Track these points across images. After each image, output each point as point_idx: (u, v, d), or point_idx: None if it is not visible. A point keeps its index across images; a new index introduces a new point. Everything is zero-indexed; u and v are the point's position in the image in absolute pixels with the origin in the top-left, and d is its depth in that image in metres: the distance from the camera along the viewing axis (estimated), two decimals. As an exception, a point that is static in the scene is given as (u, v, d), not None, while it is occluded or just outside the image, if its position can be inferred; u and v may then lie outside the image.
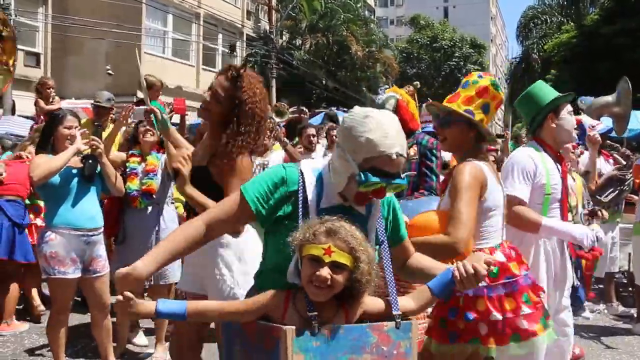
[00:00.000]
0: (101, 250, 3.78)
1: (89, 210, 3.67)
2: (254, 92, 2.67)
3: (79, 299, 5.05)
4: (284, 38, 27.41)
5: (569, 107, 3.18)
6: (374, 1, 47.80)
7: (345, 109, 14.85)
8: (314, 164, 2.00)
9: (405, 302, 1.90)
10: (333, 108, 13.99)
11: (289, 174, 1.94)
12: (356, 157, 1.83)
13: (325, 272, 1.69)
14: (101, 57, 18.76)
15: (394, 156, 1.81)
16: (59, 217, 3.62)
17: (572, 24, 25.58)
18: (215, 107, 2.72)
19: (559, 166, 3.15)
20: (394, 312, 1.84)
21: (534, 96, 3.25)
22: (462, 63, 38.69)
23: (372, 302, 1.88)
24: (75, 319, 4.68)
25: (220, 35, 24.17)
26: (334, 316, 1.78)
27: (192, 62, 22.23)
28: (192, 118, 14.38)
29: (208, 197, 2.59)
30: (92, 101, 6.19)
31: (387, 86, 8.20)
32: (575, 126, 3.17)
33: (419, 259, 2.13)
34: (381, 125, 1.83)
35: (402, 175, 1.88)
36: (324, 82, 25.64)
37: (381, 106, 3.66)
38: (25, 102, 12.31)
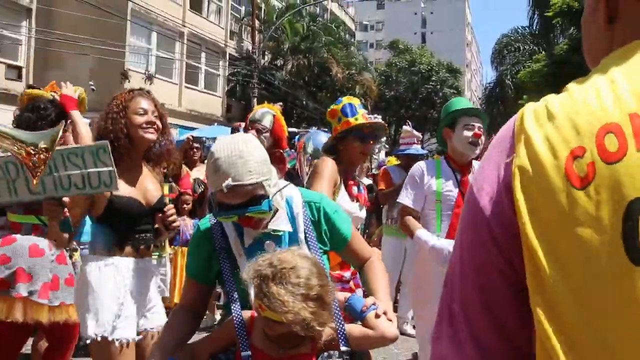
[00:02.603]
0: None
1: None
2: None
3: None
4: (266, 58, 27.74)
5: (466, 121, 3.26)
6: (354, 25, 48.65)
7: (325, 129, 15.17)
8: None
9: (354, 329, 1.81)
10: (313, 128, 14.26)
11: (203, 231, 1.96)
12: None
13: (263, 324, 1.71)
14: (84, 73, 18.79)
15: (225, 190, 1.72)
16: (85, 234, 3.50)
17: (543, 52, 26.47)
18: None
19: (458, 177, 3.28)
20: (342, 348, 1.75)
21: (441, 112, 3.49)
22: (438, 86, 39.49)
23: (351, 327, 1.82)
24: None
25: (203, 54, 24.43)
26: (301, 343, 1.75)
27: (175, 79, 22.42)
28: (174, 135, 14.54)
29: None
30: None
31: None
32: (471, 139, 3.24)
33: (367, 271, 2.06)
34: (213, 160, 1.76)
35: (269, 198, 1.79)
36: (304, 102, 26.02)
37: (259, 121, 3.60)
38: (7, 115, 12.33)
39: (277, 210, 1.91)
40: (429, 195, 3.29)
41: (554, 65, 21.59)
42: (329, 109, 3.20)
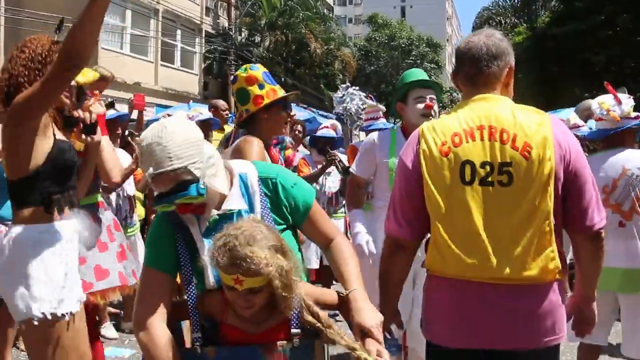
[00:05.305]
0: None
1: None
2: None
3: None
4: (242, 35, 27.34)
5: (418, 93, 3.26)
6: (332, 0, 48.11)
7: (304, 105, 14.97)
8: None
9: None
10: (292, 105, 13.98)
11: (164, 218, 1.87)
12: None
13: (241, 302, 1.67)
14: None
15: (149, 179, 1.71)
16: (6, 209, 3.30)
17: (525, 25, 26.43)
18: None
19: None
20: (292, 331, 1.75)
21: (398, 83, 3.55)
22: (418, 61, 39.37)
23: (321, 293, 1.87)
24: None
25: (178, 32, 23.95)
26: (268, 316, 1.76)
27: (151, 58, 21.92)
28: (151, 114, 14.26)
29: None
30: None
31: (348, 84, 8.33)
32: (423, 111, 3.21)
33: (334, 252, 1.97)
34: (141, 150, 1.74)
35: (201, 185, 1.72)
36: (282, 79, 25.74)
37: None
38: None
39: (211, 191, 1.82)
40: (381, 165, 3.36)
41: (535, 39, 21.58)
42: (243, 75, 2.82)
